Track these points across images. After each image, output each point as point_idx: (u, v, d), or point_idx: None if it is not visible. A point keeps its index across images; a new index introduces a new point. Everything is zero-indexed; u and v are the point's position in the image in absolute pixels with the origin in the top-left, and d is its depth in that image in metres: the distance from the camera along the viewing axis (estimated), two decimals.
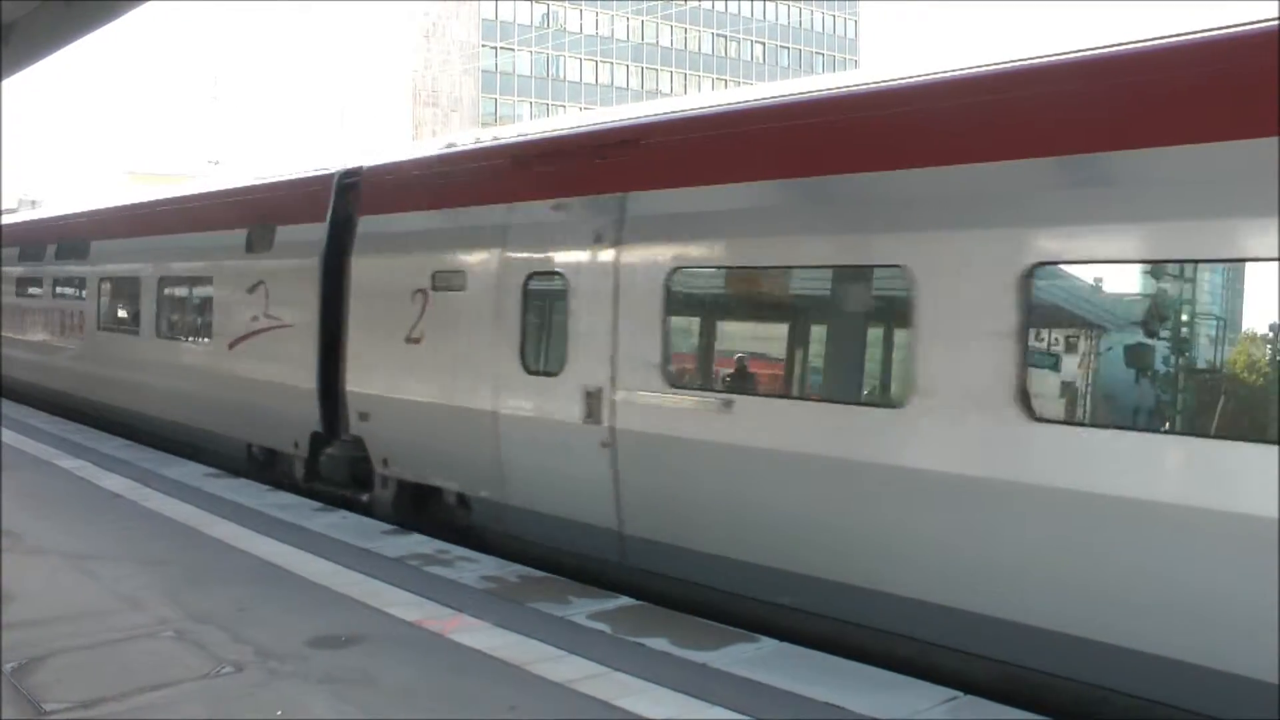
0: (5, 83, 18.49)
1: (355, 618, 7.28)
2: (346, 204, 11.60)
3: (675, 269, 7.90)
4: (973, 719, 5.72)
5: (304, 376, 11.72)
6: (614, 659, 6.45)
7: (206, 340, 14.05)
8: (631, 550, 8.18)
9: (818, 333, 7.77)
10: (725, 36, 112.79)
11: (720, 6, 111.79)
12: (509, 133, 10.81)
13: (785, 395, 7.51)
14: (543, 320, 9.20)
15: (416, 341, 10.07)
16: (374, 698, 5.84)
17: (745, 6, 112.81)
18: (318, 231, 11.79)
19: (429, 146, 11.62)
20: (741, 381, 7.76)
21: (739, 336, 8.31)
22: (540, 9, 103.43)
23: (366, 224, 11.15)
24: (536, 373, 8.95)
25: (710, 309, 8.35)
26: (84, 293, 18.29)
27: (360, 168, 11.70)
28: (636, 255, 8.12)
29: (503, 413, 9.13)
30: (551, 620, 7.29)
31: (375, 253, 10.92)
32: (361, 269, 11.05)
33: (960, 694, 5.97)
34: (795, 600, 7.13)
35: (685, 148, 8.25)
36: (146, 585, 7.91)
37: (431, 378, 9.94)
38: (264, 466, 12.96)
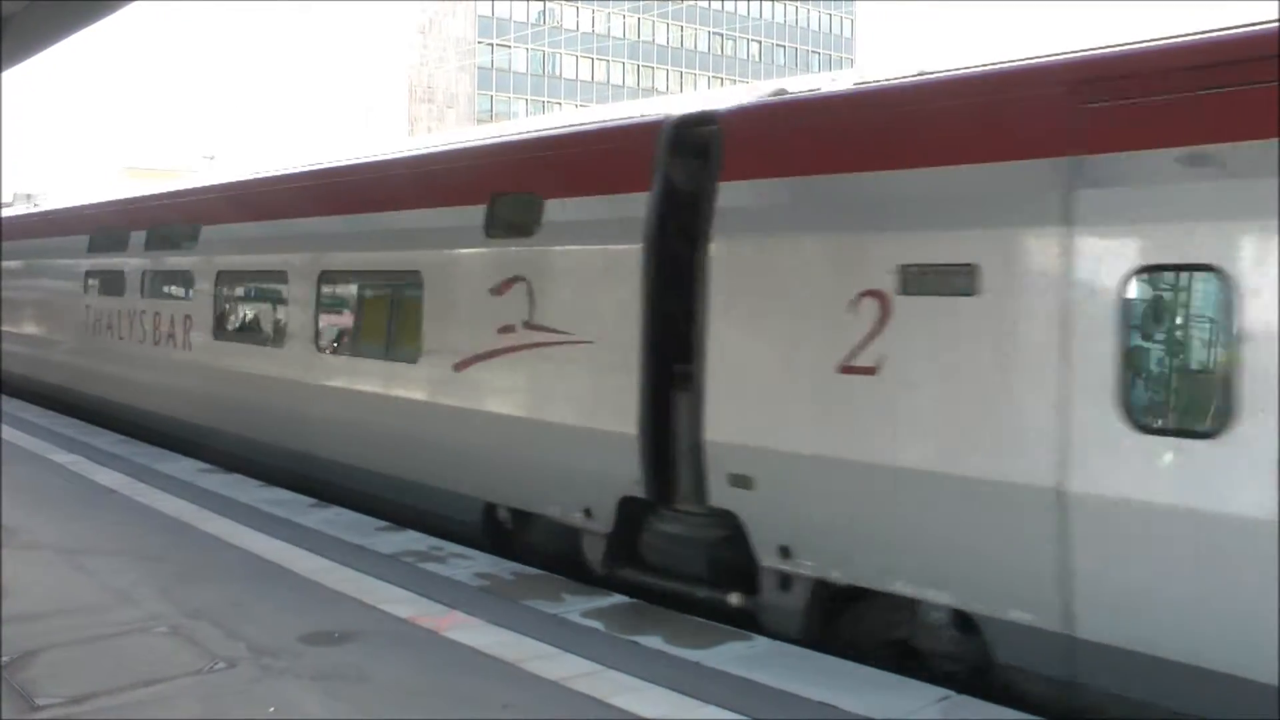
0: (3, 76, 18.33)
1: (349, 614, 7.26)
2: (674, 166, 8.15)
3: None
4: (965, 718, 5.74)
5: (612, 415, 8.11)
6: (607, 657, 6.45)
7: (410, 357, 10.17)
8: None
9: None
10: (721, 35, 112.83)
11: (716, 5, 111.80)
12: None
13: None
14: (1173, 345, 6.00)
15: (865, 371, 6.59)
16: (367, 695, 5.83)
17: (741, 5, 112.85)
18: (632, 205, 8.14)
19: (851, 81, 8.06)
20: None
21: None
22: (537, 6, 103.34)
23: (739, 193, 7.51)
24: (1161, 431, 5.68)
25: None
26: (191, 292, 14.30)
27: (714, 112, 8.10)
28: None
29: (1076, 491, 5.80)
30: (545, 618, 7.29)
31: (762, 234, 7.39)
32: (736, 259, 7.45)
33: (953, 693, 5.99)
34: None
35: None
36: (140, 580, 7.89)
37: (904, 429, 6.49)
38: (510, 535, 9.49)
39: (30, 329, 20.40)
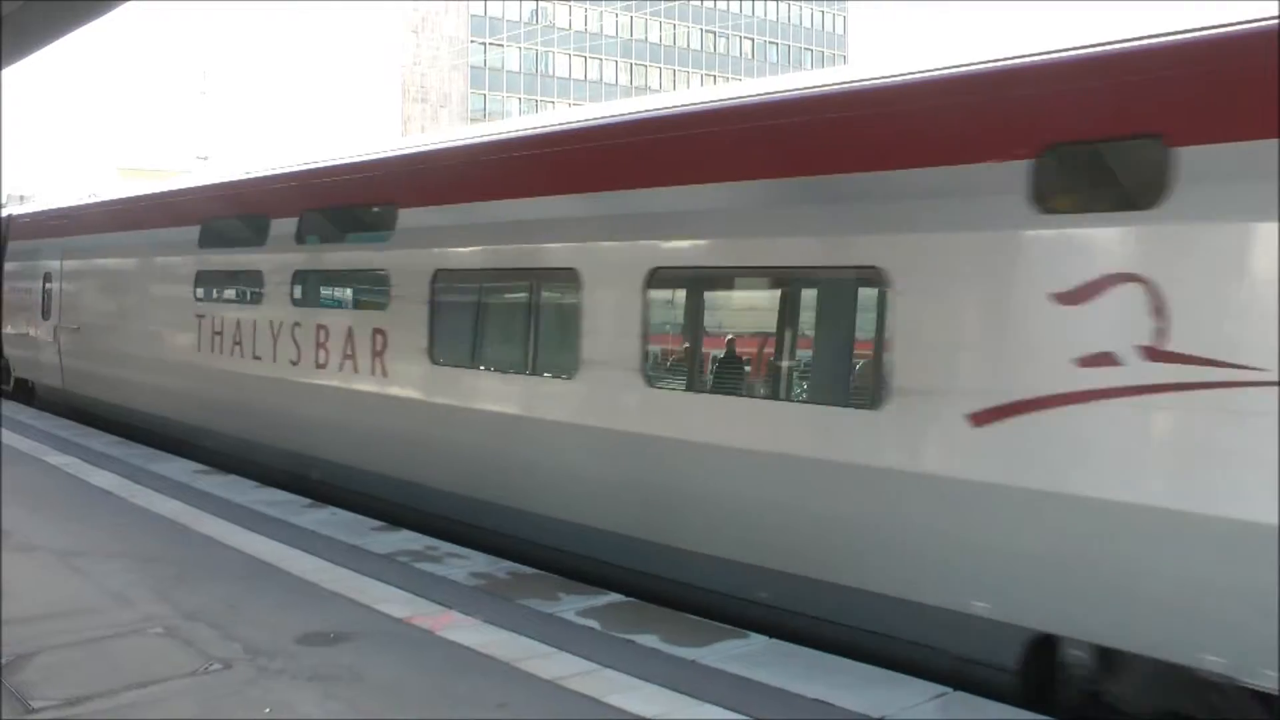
0: (2, 75, 18.20)
1: (344, 615, 7.26)
2: None
3: None
4: (962, 716, 5.75)
5: None
6: (604, 656, 6.45)
7: (858, 399, 7.14)
8: None
9: None
10: (714, 32, 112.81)
11: (709, 3, 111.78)
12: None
13: None
14: None
15: None
16: (363, 695, 5.82)
17: (734, 3, 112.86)
18: None
19: None
20: None
21: None
22: (529, 5, 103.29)
23: None
24: None
25: None
26: (385, 298, 10.78)
27: None
28: None
29: None
30: (541, 617, 7.28)
31: None
32: None
33: (949, 690, 5.99)
34: None
35: None
36: (135, 582, 7.88)
37: None
38: (1068, 678, 6.13)
39: (113, 343, 16.83)
